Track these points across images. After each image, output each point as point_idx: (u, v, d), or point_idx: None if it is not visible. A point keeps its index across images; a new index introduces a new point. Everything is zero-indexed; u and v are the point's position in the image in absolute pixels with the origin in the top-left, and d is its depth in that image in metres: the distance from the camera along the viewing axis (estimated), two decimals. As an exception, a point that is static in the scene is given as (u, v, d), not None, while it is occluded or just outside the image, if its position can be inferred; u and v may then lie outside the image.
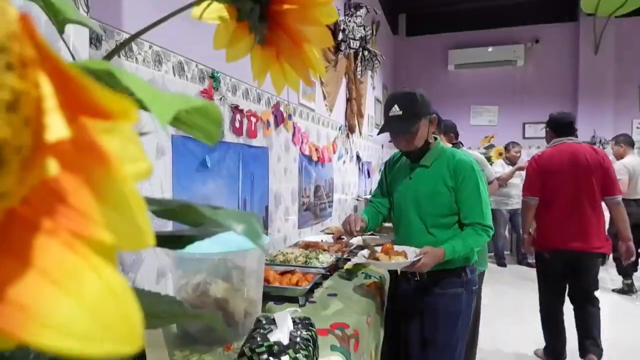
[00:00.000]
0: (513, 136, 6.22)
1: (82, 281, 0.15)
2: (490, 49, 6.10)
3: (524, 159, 4.47)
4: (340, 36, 3.13)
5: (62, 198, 0.16)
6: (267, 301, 1.34)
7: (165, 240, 0.43)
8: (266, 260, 1.63)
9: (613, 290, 3.99)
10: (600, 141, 5.83)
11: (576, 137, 2.52)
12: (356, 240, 2.28)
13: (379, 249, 1.51)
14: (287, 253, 1.76)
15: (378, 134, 1.64)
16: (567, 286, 2.52)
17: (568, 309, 2.53)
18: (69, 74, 0.15)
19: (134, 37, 0.40)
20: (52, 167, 0.15)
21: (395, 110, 1.49)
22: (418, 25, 6.62)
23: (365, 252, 1.52)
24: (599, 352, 2.41)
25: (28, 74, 0.14)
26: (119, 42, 1.11)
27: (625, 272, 3.93)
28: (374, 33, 4.07)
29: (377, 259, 1.45)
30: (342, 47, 3.17)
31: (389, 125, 1.53)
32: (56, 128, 0.15)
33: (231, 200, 1.64)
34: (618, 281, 4.08)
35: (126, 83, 0.19)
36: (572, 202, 2.38)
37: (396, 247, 1.52)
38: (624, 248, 2.42)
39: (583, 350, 2.46)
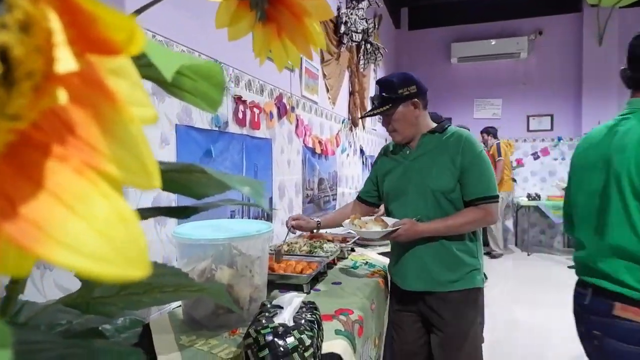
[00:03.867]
0: (517, 129, 6.20)
1: (92, 205, 0.16)
2: (493, 42, 6.06)
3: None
4: (343, 29, 3.12)
5: (71, 129, 0.17)
6: (272, 289, 1.35)
7: (172, 211, 0.44)
8: (271, 250, 1.64)
9: None
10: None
11: None
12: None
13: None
14: (291, 243, 1.77)
15: None
16: None
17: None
18: (79, 6, 0.15)
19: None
20: (62, 95, 0.16)
21: None
22: (420, 18, 6.59)
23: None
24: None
25: (39, 5, 0.15)
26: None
27: None
28: (377, 26, 4.06)
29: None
30: (345, 40, 3.17)
31: None
32: (65, 61, 0.16)
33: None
34: None
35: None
36: None
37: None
38: None
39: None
